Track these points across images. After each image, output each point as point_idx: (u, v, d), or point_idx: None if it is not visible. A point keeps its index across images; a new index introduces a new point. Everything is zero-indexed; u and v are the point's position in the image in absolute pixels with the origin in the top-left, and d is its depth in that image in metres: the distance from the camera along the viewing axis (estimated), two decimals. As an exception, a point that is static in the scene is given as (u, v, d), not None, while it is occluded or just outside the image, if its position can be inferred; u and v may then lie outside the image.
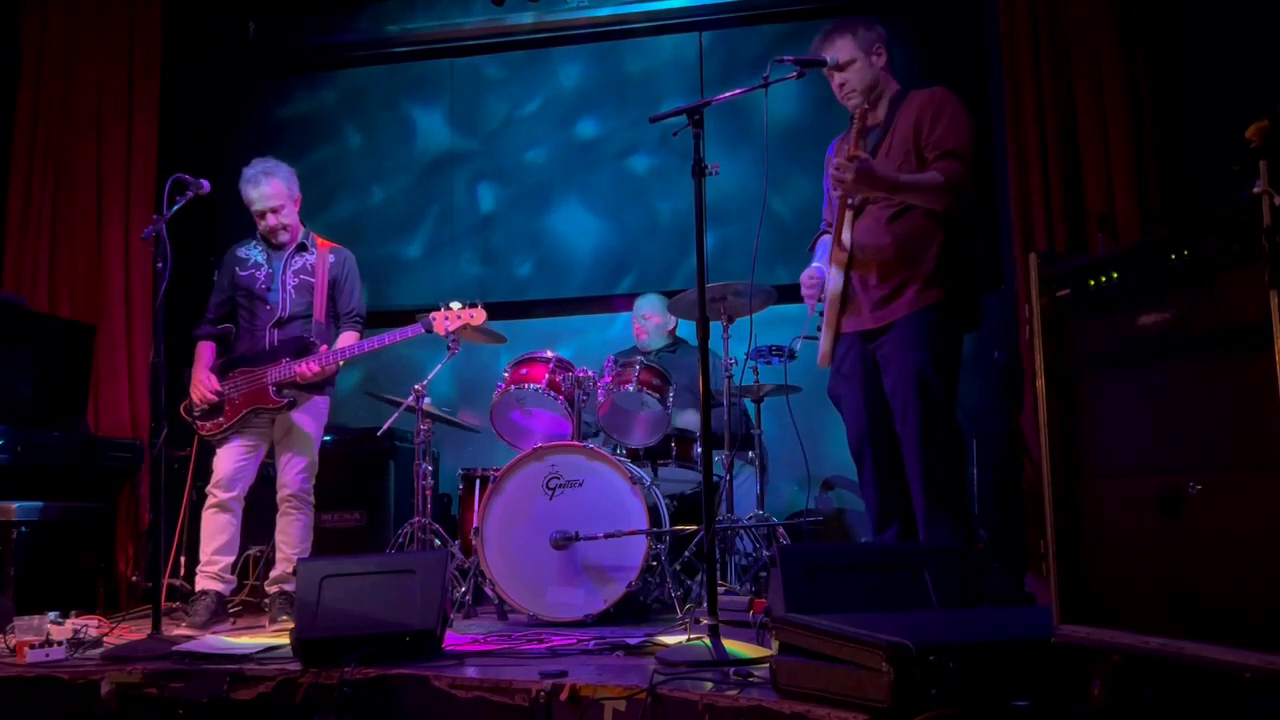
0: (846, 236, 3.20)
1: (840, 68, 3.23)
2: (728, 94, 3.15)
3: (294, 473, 3.98)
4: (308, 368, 3.87)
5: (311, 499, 4.05)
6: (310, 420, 4.01)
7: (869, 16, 3.31)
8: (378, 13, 6.00)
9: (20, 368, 4.46)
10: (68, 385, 4.68)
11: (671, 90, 5.62)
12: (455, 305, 3.91)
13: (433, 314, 3.91)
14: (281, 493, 4.00)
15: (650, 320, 5.02)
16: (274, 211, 4.03)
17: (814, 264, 3.41)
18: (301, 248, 4.12)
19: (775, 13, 5.58)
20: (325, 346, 3.96)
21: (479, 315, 3.92)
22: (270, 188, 4.02)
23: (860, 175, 3.00)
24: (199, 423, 4.01)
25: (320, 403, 4.07)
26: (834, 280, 3.23)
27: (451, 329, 3.89)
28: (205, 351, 4.11)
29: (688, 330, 4.96)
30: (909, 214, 3.14)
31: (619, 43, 5.83)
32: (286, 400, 3.92)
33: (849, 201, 3.18)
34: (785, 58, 3.14)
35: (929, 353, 3.09)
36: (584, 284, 5.82)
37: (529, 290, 5.84)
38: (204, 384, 3.97)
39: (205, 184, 3.48)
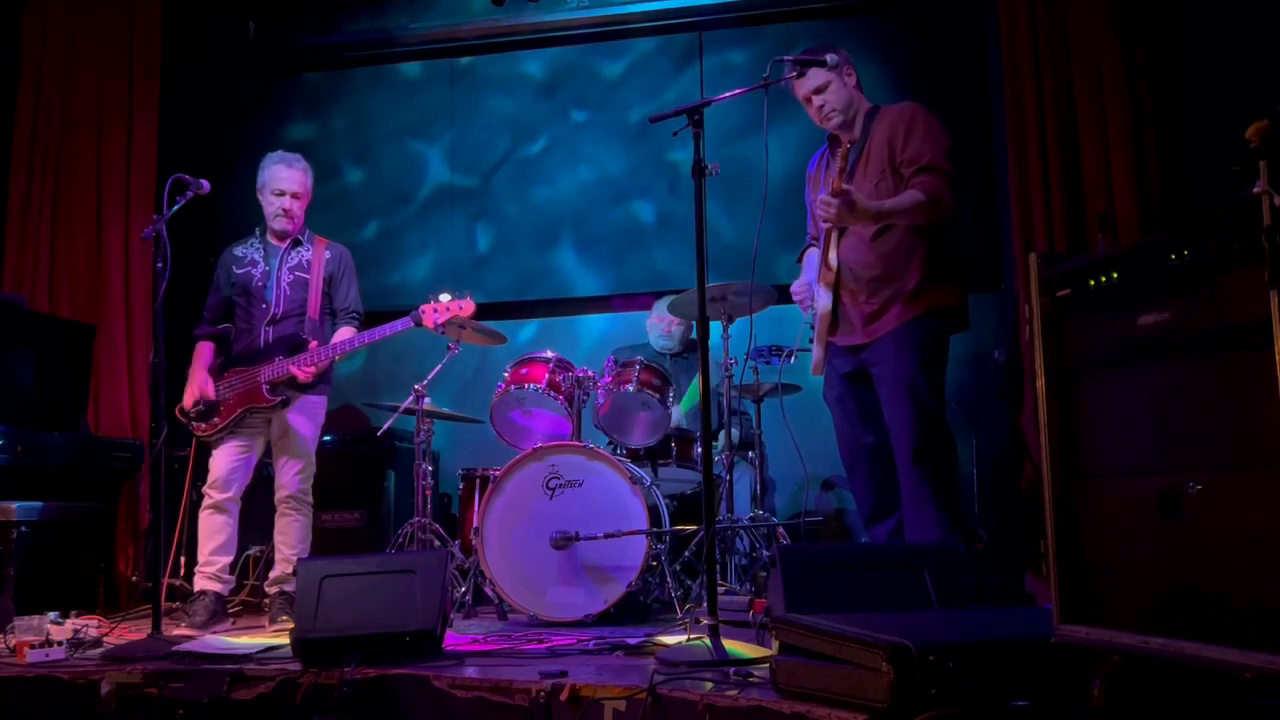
0: (833, 256, 3.32)
1: (819, 90, 3.33)
2: (727, 94, 3.17)
3: (291, 474, 3.98)
4: (300, 365, 3.87)
5: (310, 499, 4.05)
6: (306, 420, 4.00)
7: (831, 44, 3.37)
8: (378, 13, 5.99)
9: (20, 368, 4.45)
10: (68, 385, 4.68)
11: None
12: (445, 297, 3.91)
13: (422, 307, 3.91)
14: (279, 494, 4.00)
15: (674, 324, 4.98)
16: (294, 196, 4.06)
17: (803, 275, 3.52)
18: (297, 243, 4.13)
19: (775, 13, 5.58)
20: (315, 343, 3.96)
21: (468, 306, 3.93)
22: (299, 174, 4.09)
23: (845, 209, 3.09)
24: (195, 424, 4.01)
25: (315, 402, 4.06)
26: (824, 299, 3.34)
27: (440, 321, 3.90)
28: (205, 351, 4.11)
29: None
30: (891, 230, 3.24)
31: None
32: (280, 399, 3.92)
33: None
34: (785, 58, 3.21)
35: (919, 364, 3.20)
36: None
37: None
38: (200, 385, 3.98)
39: (205, 184, 3.48)
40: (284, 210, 4.06)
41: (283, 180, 4.06)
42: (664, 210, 5.66)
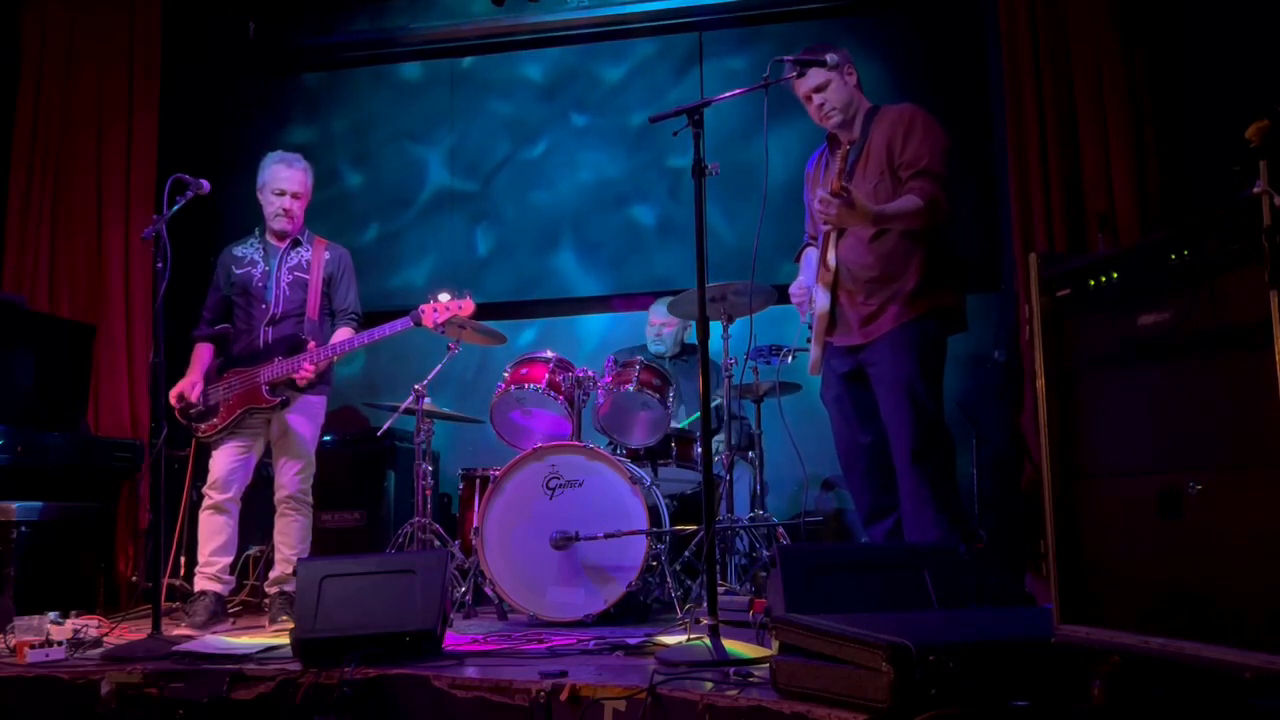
0: (831, 257, 3.32)
1: (819, 89, 3.33)
2: (727, 94, 3.17)
3: (291, 474, 3.98)
4: (299, 365, 3.87)
5: (309, 499, 4.05)
6: (305, 421, 4.00)
7: (831, 44, 3.36)
8: (378, 13, 5.99)
9: (20, 368, 4.46)
10: (68, 385, 4.68)
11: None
12: (444, 297, 3.91)
13: (421, 307, 3.91)
14: (279, 494, 4.00)
15: (665, 326, 4.99)
16: (294, 196, 4.06)
17: (800, 276, 3.52)
18: (296, 243, 4.13)
19: (775, 13, 5.57)
20: (313, 344, 3.96)
21: (467, 306, 3.92)
22: (299, 173, 4.08)
23: (844, 209, 3.09)
24: (195, 424, 4.01)
25: (315, 402, 4.06)
26: (821, 299, 3.34)
27: (440, 321, 3.89)
28: (203, 353, 4.11)
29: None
30: (889, 231, 3.24)
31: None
32: (280, 399, 3.92)
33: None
34: (785, 58, 3.20)
35: (917, 365, 3.20)
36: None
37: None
38: (186, 386, 3.99)
39: (205, 184, 3.48)
40: (284, 210, 4.06)
41: (283, 180, 4.06)
42: (664, 215, 5.65)
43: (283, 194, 4.05)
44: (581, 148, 5.80)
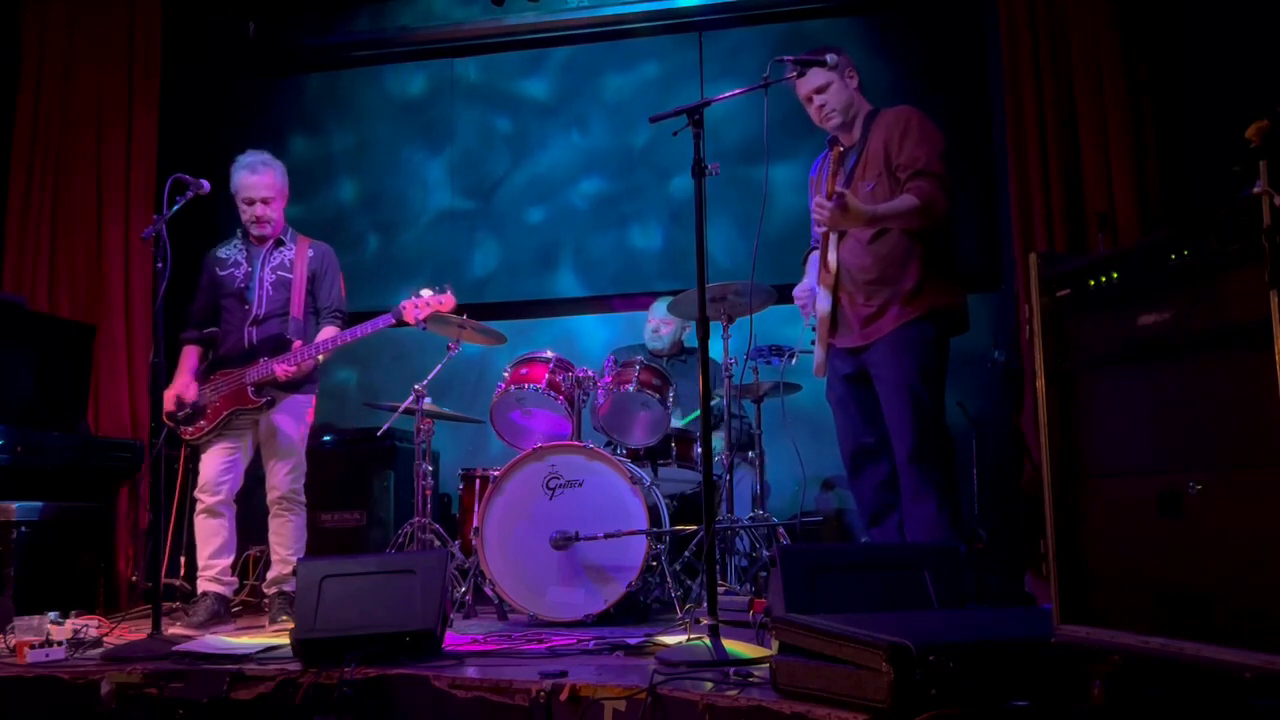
0: (832, 258, 3.34)
1: (820, 90, 3.34)
2: (727, 94, 3.17)
3: (281, 475, 3.96)
4: (283, 366, 3.86)
5: (302, 499, 4.03)
6: (292, 420, 3.98)
7: (834, 45, 3.36)
8: (378, 13, 5.99)
9: (20, 368, 4.45)
10: (68, 385, 4.68)
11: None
12: (425, 293, 3.89)
13: (403, 303, 3.88)
14: (271, 495, 3.98)
15: (664, 324, 5.00)
16: (264, 202, 4.02)
17: (805, 279, 3.53)
18: (279, 243, 4.10)
19: (775, 13, 5.57)
20: (299, 343, 3.94)
21: (448, 301, 3.89)
22: (267, 178, 4.02)
23: (839, 211, 3.09)
24: (182, 427, 3.98)
25: (302, 401, 4.04)
26: (823, 301, 3.36)
27: (421, 317, 3.87)
28: (189, 355, 4.08)
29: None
30: (888, 233, 3.26)
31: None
32: (265, 400, 3.91)
33: None
34: (785, 58, 3.20)
35: (917, 366, 3.21)
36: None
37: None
38: (180, 389, 3.97)
39: (205, 184, 3.48)
40: (256, 218, 4.02)
41: (250, 188, 4.01)
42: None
43: (252, 202, 4.01)
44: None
